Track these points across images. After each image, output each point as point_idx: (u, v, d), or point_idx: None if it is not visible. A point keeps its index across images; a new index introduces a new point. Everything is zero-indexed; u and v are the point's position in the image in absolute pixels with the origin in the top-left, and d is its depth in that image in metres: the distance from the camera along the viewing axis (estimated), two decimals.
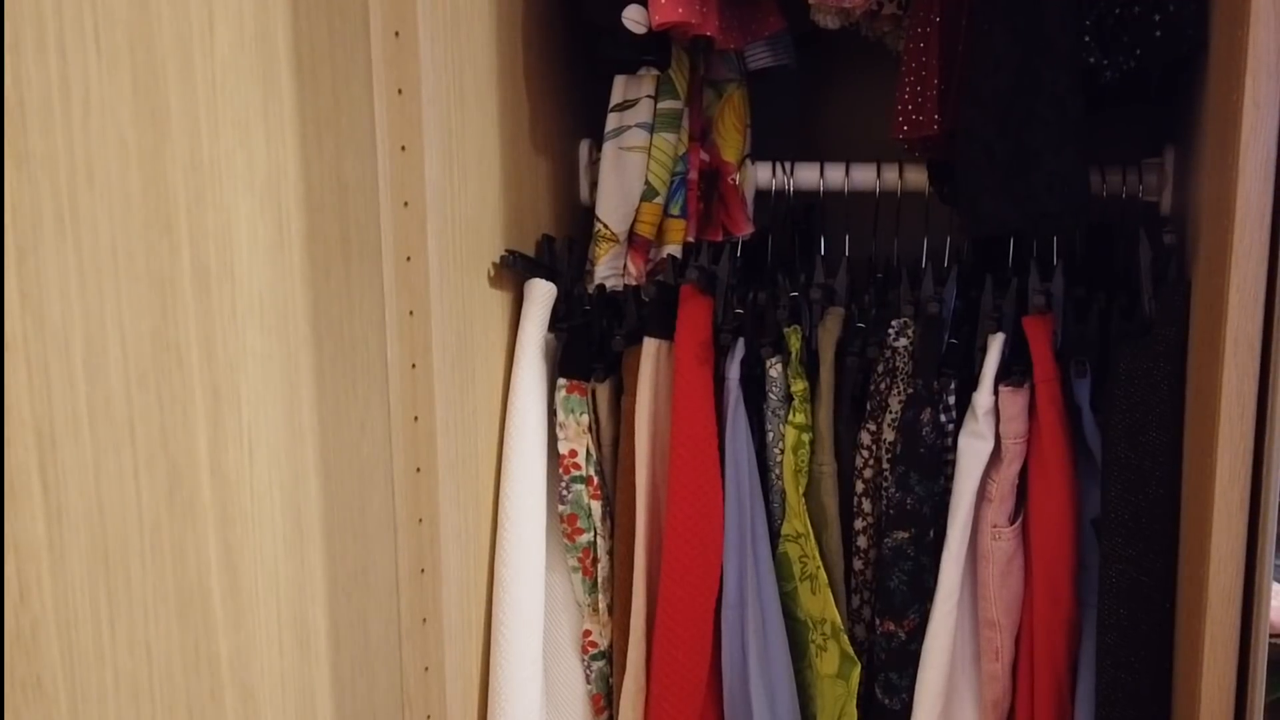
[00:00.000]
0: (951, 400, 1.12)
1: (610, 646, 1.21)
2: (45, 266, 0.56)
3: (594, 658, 1.20)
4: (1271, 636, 1.44)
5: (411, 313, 0.99)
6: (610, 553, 1.19)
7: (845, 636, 1.13)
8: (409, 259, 0.98)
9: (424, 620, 1.03)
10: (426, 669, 1.03)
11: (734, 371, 1.14)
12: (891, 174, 1.24)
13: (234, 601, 0.74)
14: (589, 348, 1.18)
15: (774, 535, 1.16)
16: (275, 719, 0.80)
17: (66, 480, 0.58)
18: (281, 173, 0.79)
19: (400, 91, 0.94)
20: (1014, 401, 1.09)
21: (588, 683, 1.21)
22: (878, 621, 1.14)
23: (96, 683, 0.61)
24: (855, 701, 1.13)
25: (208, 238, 0.69)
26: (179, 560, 0.67)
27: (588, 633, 1.20)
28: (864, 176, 1.25)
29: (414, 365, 1.00)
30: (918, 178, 1.24)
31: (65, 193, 0.57)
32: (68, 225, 0.57)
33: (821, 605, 1.14)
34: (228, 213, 0.72)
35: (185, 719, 0.69)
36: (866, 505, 1.14)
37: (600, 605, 1.19)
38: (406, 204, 0.97)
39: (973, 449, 1.09)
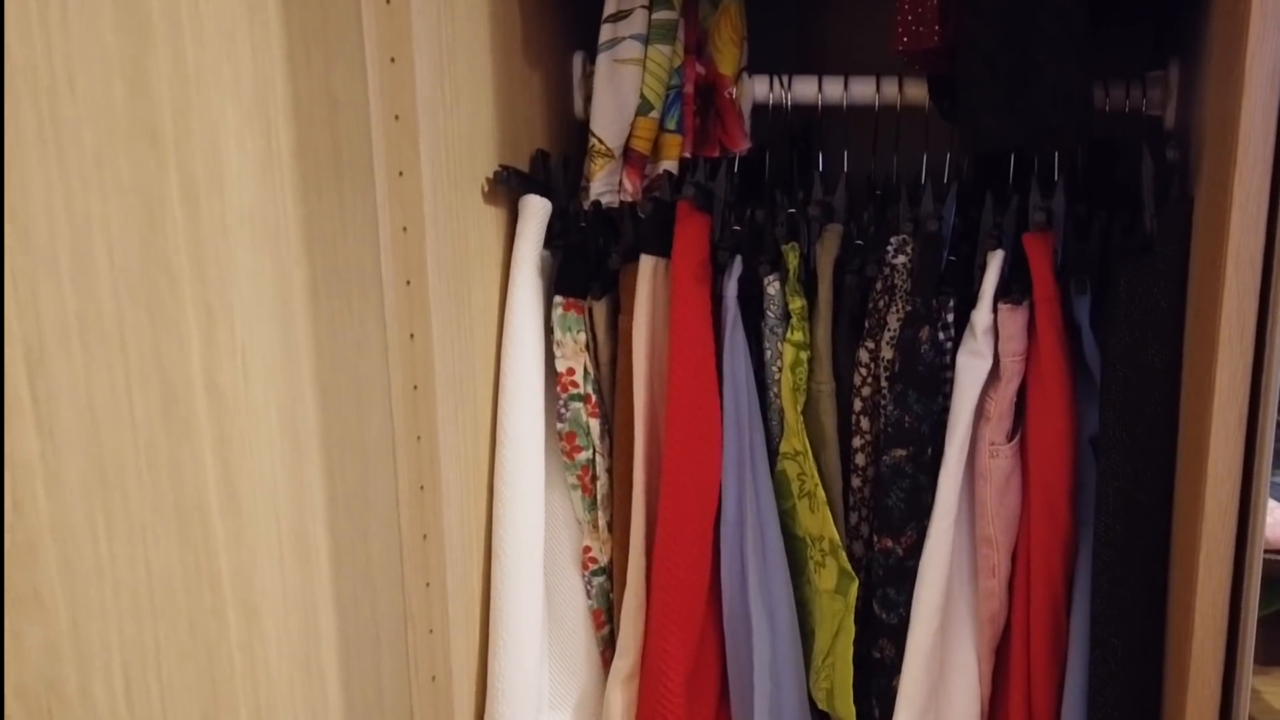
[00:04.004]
0: (950, 318, 1.11)
1: (610, 562, 1.21)
2: (29, 177, 0.54)
3: (594, 573, 1.21)
4: (1267, 552, 1.45)
5: (405, 229, 0.97)
6: (609, 470, 1.20)
7: (843, 553, 1.14)
8: (401, 174, 0.96)
9: (425, 536, 1.03)
10: (428, 584, 1.04)
11: (732, 289, 1.13)
12: (891, 88, 1.22)
13: (233, 518, 0.74)
14: (585, 265, 1.17)
15: (772, 453, 1.17)
16: (278, 634, 0.80)
17: (58, 394, 0.57)
18: (269, 85, 0.77)
19: (388, 1, 0.92)
20: (1013, 319, 1.08)
21: (589, 598, 1.22)
22: (876, 538, 1.15)
23: (96, 597, 0.61)
24: (853, 616, 1.14)
25: (195, 150, 0.68)
26: (176, 476, 0.67)
27: (588, 549, 1.21)
28: (863, 91, 1.23)
29: (409, 282, 0.99)
30: (918, 92, 1.22)
31: (46, 102, 0.55)
32: (50, 135, 0.56)
33: (820, 522, 1.14)
34: (214, 125, 0.70)
35: (187, 633, 0.70)
36: (865, 423, 1.14)
37: (600, 522, 1.20)
38: (398, 117, 0.95)
39: (971, 367, 1.09)
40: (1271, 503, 1.51)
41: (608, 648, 1.23)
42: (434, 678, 1.06)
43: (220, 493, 0.72)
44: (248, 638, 0.76)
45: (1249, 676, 0.97)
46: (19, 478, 0.55)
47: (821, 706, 1.19)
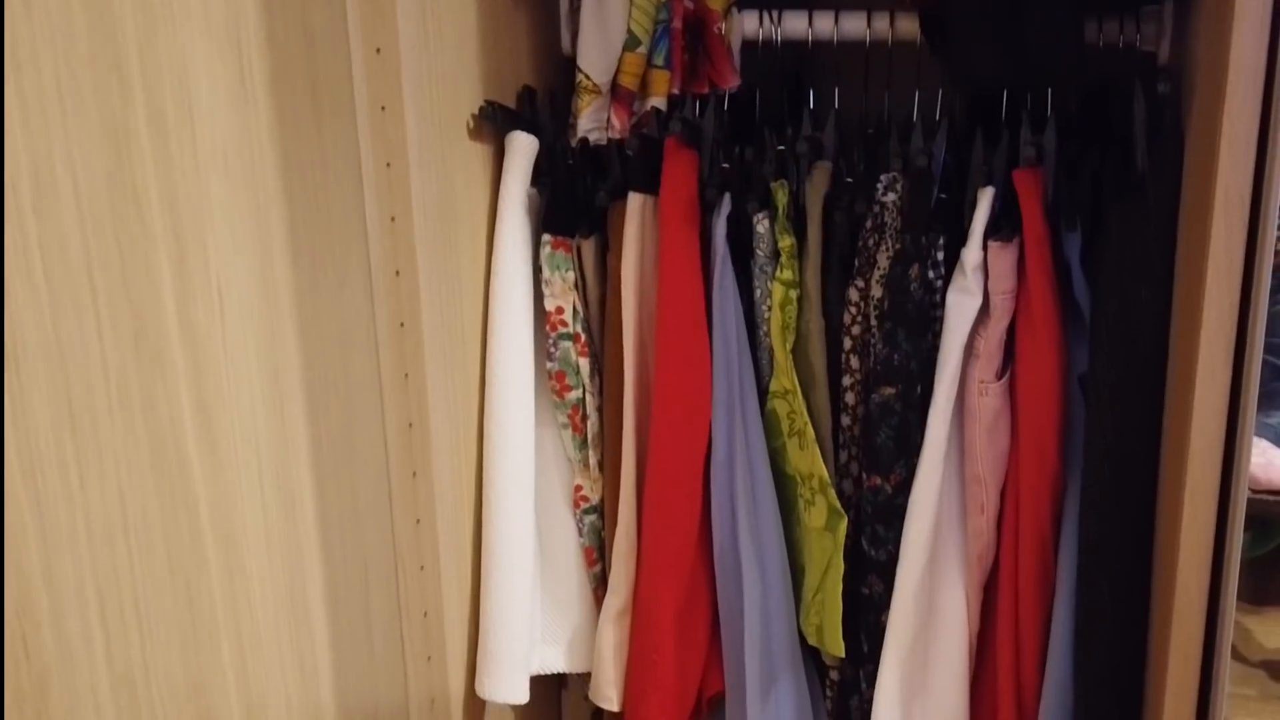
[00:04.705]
0: (940, 256, 1.10)
1: (602, 501, 1.22)
2: None
3: (586, 512, 1.22)
4: (1256, 492, 1.46)
5: (389, 165, 0.97)
6: (599, 409, 1.20)
7: (833, 491, 1.14)
8: (384, 109, 0.96)
9: (414, 475, 1.03)
10: (418, 521, 1.05)
11: (720, 228, 1.13)
12: (882, 23, 1.20)
13: (211, 453, 0.74)
14: (573, 203, 1.16)
15: (762, 392, 1.17)
16: (260, 568, 0.81)
17: (21, 323, 0.57)
18: (240, 16, 0.76)
19: None
20: (1003, 257, 1.07)
21: (580, 536, 1.22)
22: (865, 476, 1.15)
23: (68, 524, 0.61)
24: (842, 553, 1.15)
25: (162, 80, 0.67)
26: (149, 409, 0.67)
27: (579, 487, 1.22)
28: (854, 26, 1.21)
29: (393, 219, 0.98)
30: (909, 27, 1.20)
31: (4, 26, 0.55)
32: (8, 61, 0.55)
33: (809, 461, 1.15)
34: (182, 54, 0.69)
35: (165, 565, 0.70)
36: (854, 362, 1.14)
37: (591, 461, 1.20)
38: (379, 51, 0.94)
39: (961, 305, 1.08)
40: (1263, 443, 1.52)
41: (599, 585, 1.24)
42: (425, 614, 1.07)
43: (196, 426, 0.72)
44: (228, 571, 0.77)
45: (1232, 612, 0.97)
46: None
47: (811, 642, 1.20)
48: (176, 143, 0.69)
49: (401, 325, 1.01)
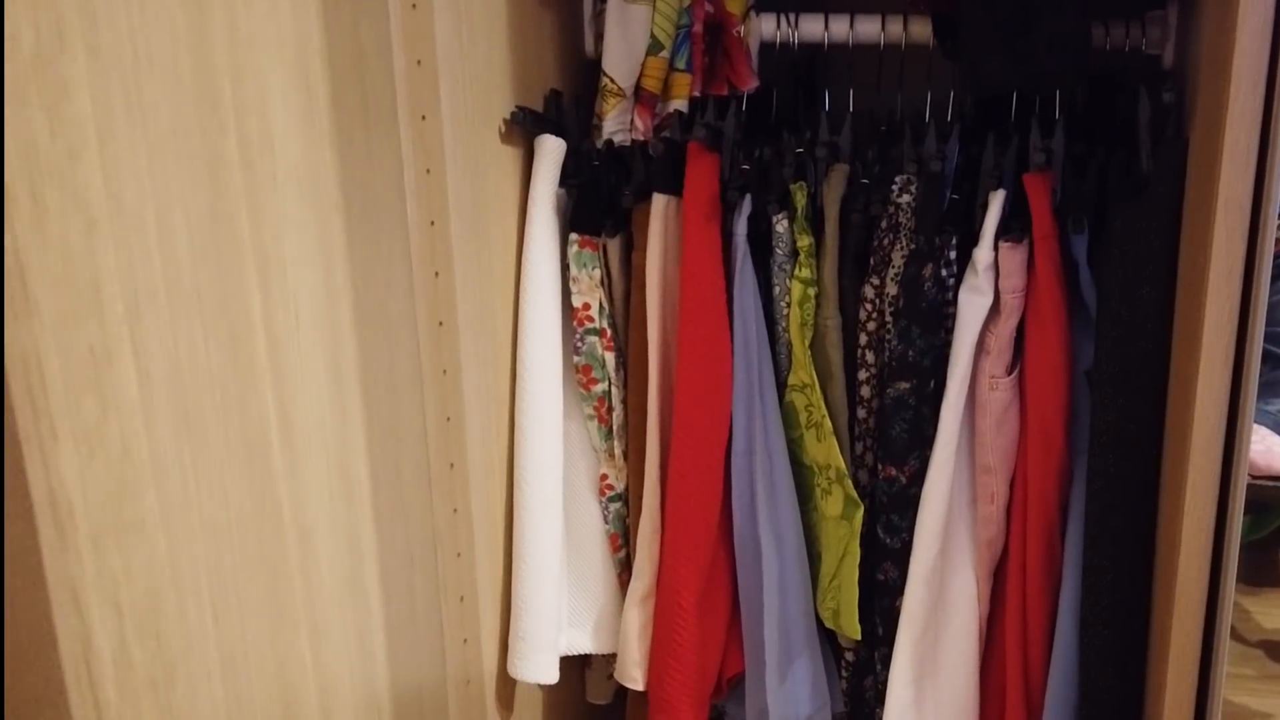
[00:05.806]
0: (952, 256, 1.14)
1: (626, 489, 1.26)
2: (120, 150, 0.58)
3: (611, 500, 1.26)
4: (1255, 478, 1.49)
5: (429, 171, 1.00)
6: (624, 401, 1.24)
7: (849, 481, 1.18)
8: (424, 118, 0.99)
9: (451, 466, 1.07)
10: (455, 511, 1.09)
11: (741, 228, 1.16)
12: (896, 26, 1.24)
13: (290, 452, 0.78)
14: (599, 203, 1.20)
15: (781, 386, 1.20)
16: (329, 556, 0.86)
17: (151, 346, 0.61)
18: (307, 40, 0.79)
19: None
20: (1013, 257, 1.11)
21: (605, 523, 1.26)
22: (880, 467, 1.19)
23: (185, 526, 0.66)
24: (858, 541, 1.19)
25: (248, 110, 0.71)
26: (243, 416, 0.72)
27: (604, 476, 1.25)
28: (868, 29, 1.24)
29: (433, 223, 1.02)
30: (922, 30, 1.23)
31: (131, 78, 0.59)
32: (135, 109, 0.59)
33: (826, 452, 1.19)
34: (264, 84, 0.73)
35: (257, 556, 0.75)
36: (870, 357, 1.18)
37: (616, 451, 1.24)
38: (420, 63, 0.97)
39: (972, 303, 1.12)
40: (1262, 430, 1.55)
41: (624, 570, 1.28)
42: (462, 598, 1.11)
43: (279, 429, 0.76)
44: (303, 561, 0.81)
45: (1231, 594, 1.01)
46: (125, 420, 0.60)
47: (828, 625, 1.24)
48: (260, 167, 0.73)
49: (440, 324, 1.04)
